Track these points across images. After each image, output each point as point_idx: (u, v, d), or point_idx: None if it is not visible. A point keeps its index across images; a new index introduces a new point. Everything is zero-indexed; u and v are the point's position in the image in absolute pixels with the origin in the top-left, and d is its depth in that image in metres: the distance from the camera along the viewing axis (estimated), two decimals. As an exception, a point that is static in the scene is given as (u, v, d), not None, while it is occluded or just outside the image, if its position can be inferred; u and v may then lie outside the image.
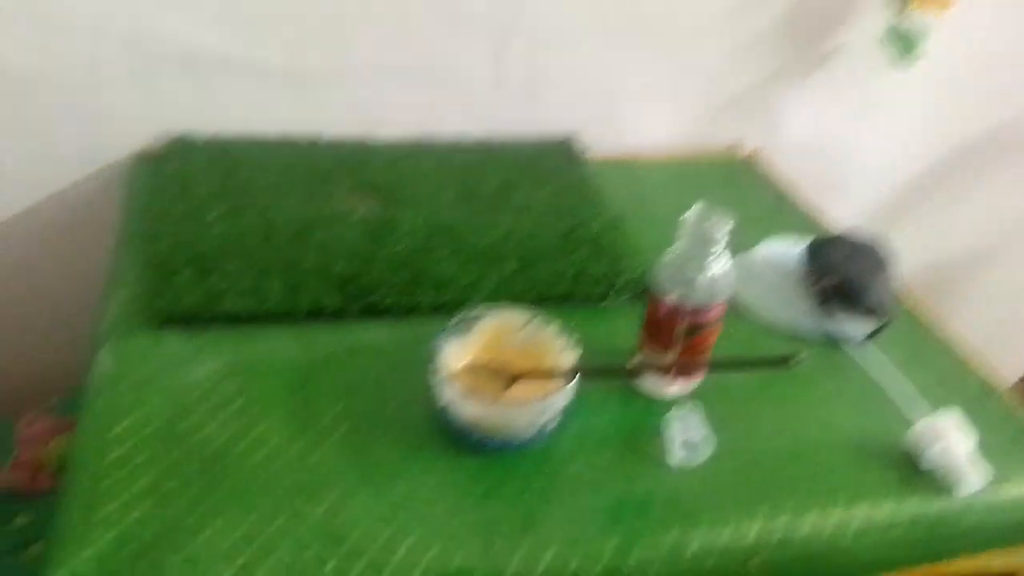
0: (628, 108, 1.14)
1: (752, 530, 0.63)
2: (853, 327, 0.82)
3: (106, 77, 0.92)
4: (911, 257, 0.90)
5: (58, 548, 0.55)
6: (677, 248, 0.68)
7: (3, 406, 1.04)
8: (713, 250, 0.67)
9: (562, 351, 0.69)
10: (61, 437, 0.96)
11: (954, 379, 0.81)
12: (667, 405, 0.71)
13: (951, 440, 0.69)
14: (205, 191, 0.88)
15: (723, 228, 0.66)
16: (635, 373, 0.74)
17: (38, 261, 1.04)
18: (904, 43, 1.08)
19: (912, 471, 0.69)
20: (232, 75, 0.96)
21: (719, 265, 0.67)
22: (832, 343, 0.82)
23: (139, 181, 0.92)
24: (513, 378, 0.67)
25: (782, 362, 0.60)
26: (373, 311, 0.78)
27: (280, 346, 0.73)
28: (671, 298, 0.68)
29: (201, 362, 0.70)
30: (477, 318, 0.70)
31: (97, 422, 0.64)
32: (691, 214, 0.67)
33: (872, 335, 0.82)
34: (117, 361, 0.70)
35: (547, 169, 1.03)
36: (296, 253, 0.81)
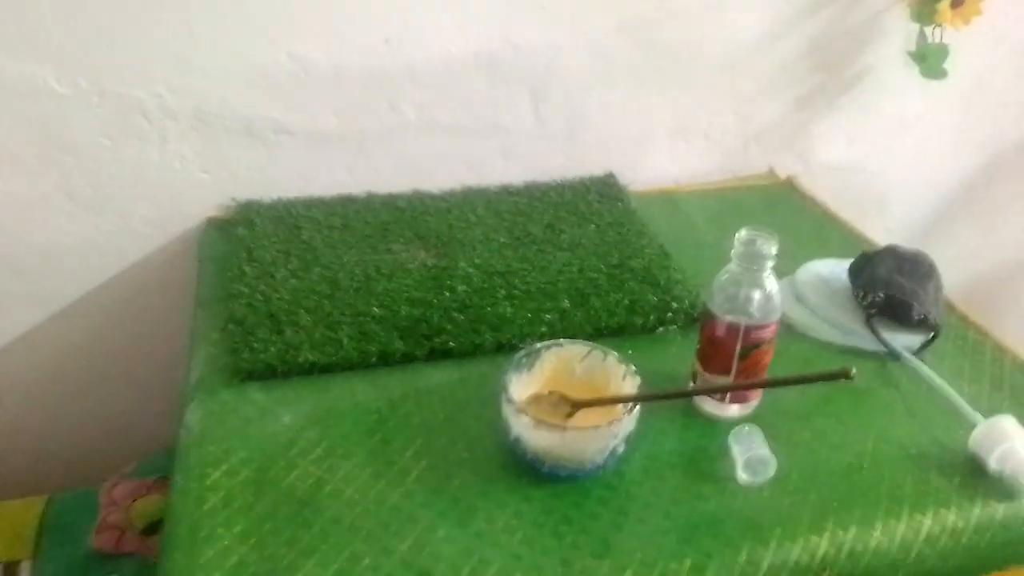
0: (664, 143, 1.18)
1: (821, 544, 0.65)
2: (904, 339, 0.84)
3: (176, 152, 0.99)
4: (953, 272, 0.91)
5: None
6: (729, 269, 0.72)
7: (87, 473, 1.10)
8: (764, 268, 0.70)
9: (623, 379, 0.72)
10: (142, 499, 1.00)
11: (1009, 385, 0.82)
12: (728, 427, 0.73)
13: (1016, 442, 0.70)
14: (273, 252, 0.94)
15: (772, 246, 0.69)
16: (696, 393, 0.76)
17: (116, 331, 1.10)
18: (929, 61, 1.11)
19: (975, 476, 0.70)
20: (291, 142, 1.02)
21: (771, 284, 0.71)
22: (884, 356, 0.84)
23: (211, 246, 0.99)
24: (575, 406, 0.71)
25: (842, 374, 0.63)
26: (438, 353, 0.82)
27: (355, 392, 0.78)
28: (727, 319, 0.71)
29: (283, 412, 0.75)
30: (539, 352, 0.74)
31: (191, 474, 0.69)
32: (740, 235, 0.70)
33: (924, 346, 0.84)
34: (205, 416, 0.75)
35: (591, 207, 1.07)
36: (362, 304, 0.86)
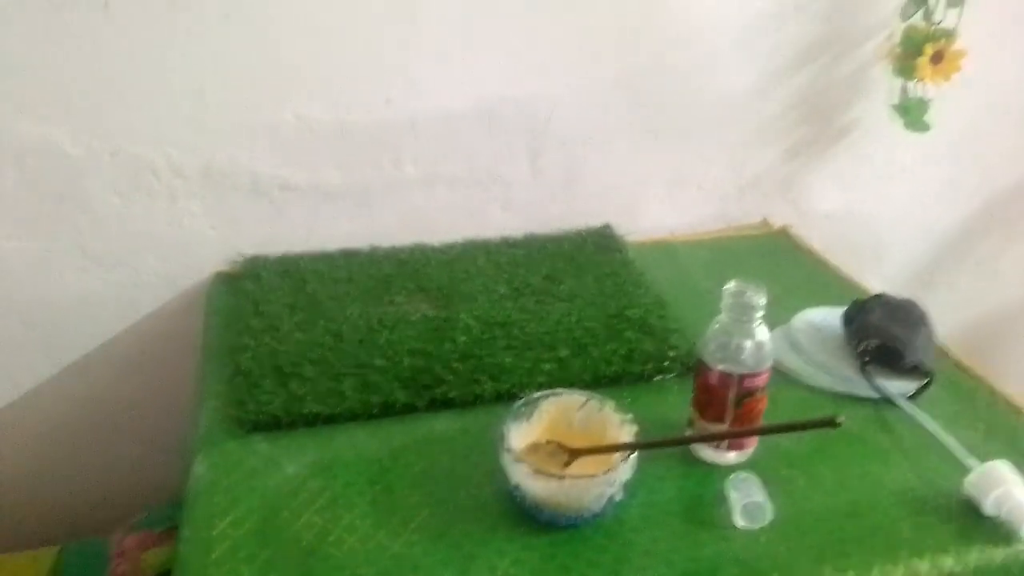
0: (659, 194, 1.21)
1: (820, 590, 0.66)
2: (899, 386, 0.85)
3: (185, 209, 1.03)
4: (951, 317, 0.93)
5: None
6: (720, 320, 0.74)
7: (97, 523, 1.11)
8: (754, 319, 0.72)
9: (620, 427, 0.73)
10: (152, 549, 1.01)
11: (1004, 429, 0.83)
12: (725, 473, 0.74)
13: (1012, 485, 0.70)
14: (279, 305, 0.96)
15: (761, 297, 0.71)
16: (688, 442, 0.77)
17: (125, 383, 1.12)
18: (912, 114, 1.14)
19: (972, 520, 0.71)
20: (297, 198, 1.06)
21: (761, 333, 0.73)
22: (880, 403, 0.85)
23: (219, 300, 1.01)
24: (573, 455, 0.72)
25: (830, 422, 0.64)
26: (439, 403, 0.83)
27: (358, 442, 0.79)
28: (719, 368, 0.73)
29: (287, 463, 0.76)
30: (538, 402, 0.75)
31: (198, 524, 0.70)
32: (729, 287, 0.73)
33: (918, 392, 0.85)
34: (211, 467, 0.76)
35: (589, 257, 1.09)
36: (365, 355, 0.88)
